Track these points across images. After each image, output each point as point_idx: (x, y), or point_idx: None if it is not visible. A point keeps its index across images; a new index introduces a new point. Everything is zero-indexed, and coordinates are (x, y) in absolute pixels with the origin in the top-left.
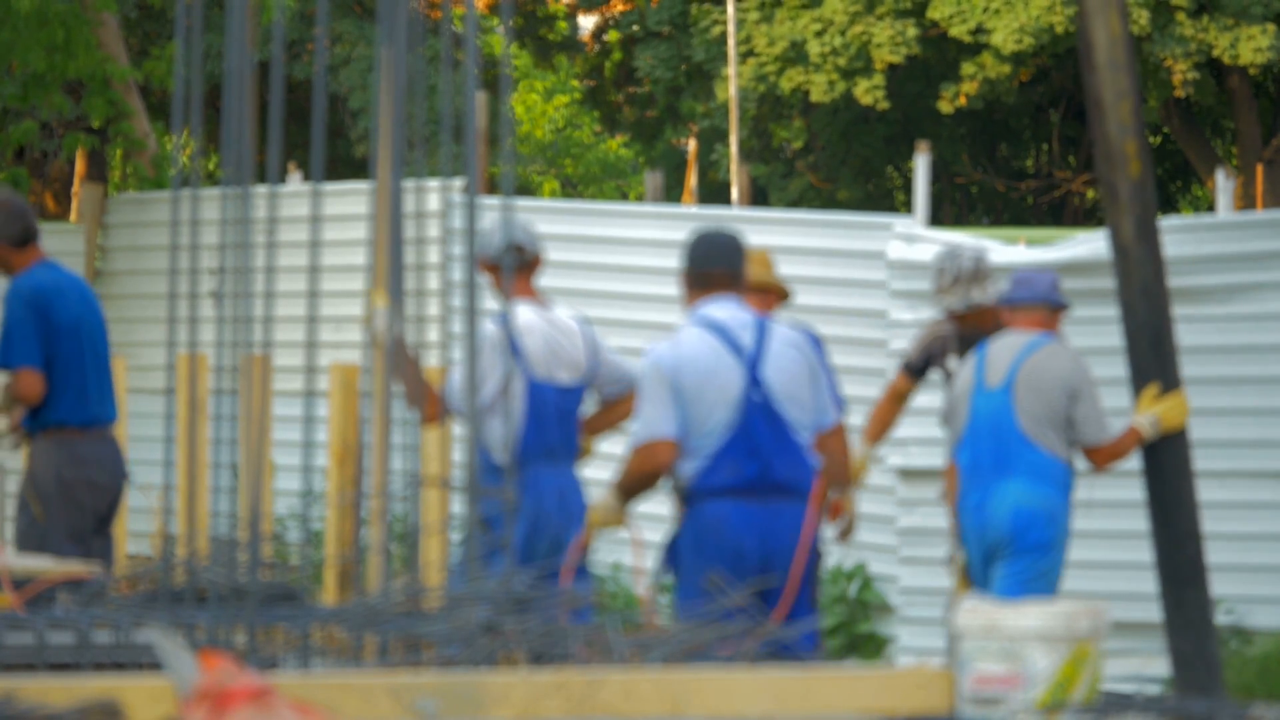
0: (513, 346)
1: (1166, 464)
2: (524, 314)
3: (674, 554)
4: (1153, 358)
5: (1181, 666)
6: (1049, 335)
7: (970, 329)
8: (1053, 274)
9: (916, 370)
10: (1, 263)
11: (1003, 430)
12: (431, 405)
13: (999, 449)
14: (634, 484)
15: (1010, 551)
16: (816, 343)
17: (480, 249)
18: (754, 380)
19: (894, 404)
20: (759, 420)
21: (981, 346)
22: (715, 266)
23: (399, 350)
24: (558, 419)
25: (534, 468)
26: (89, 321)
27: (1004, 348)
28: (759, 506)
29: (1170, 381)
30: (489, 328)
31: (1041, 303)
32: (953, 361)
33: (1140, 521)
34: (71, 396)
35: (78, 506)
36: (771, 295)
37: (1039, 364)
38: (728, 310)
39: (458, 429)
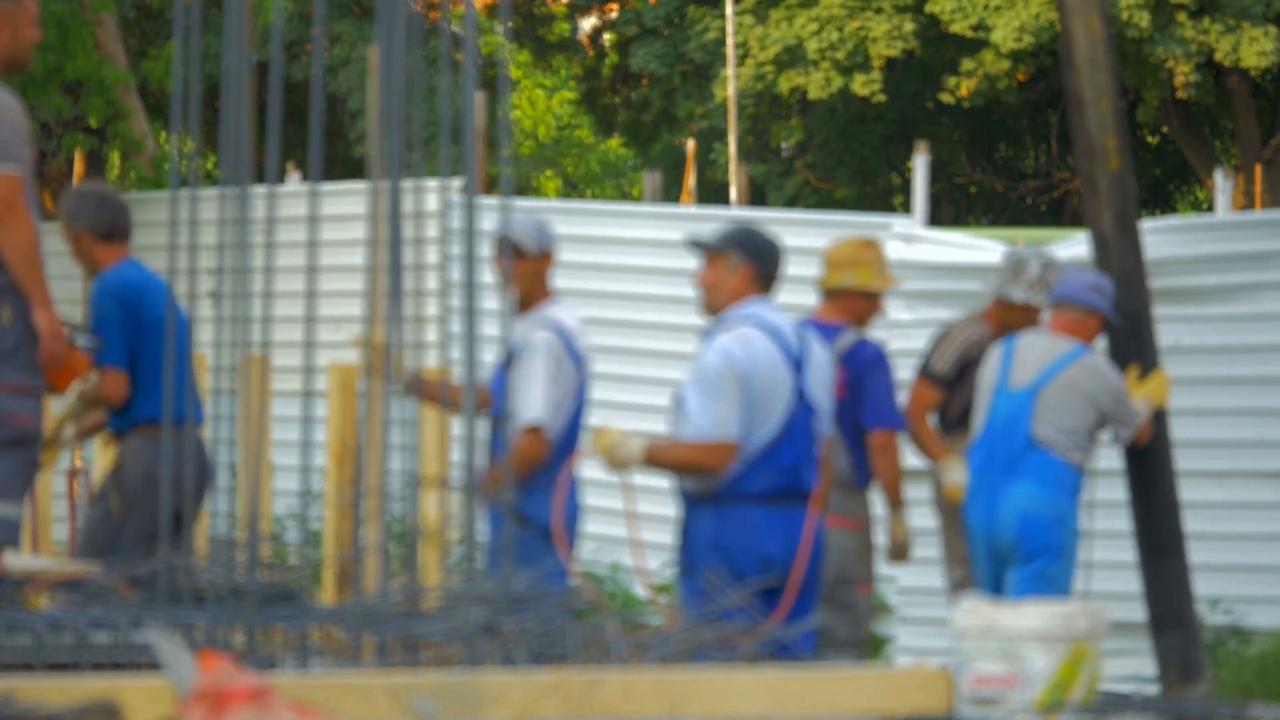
0: (569, 349)
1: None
2: (567, 316)
3: (689, 552)
4: (1133, 343)
5: (1160, 634)
6: (1084, 347)
7: (1015, 325)
8: (1096, 278)
9: (950, 381)
10: (86, 256)
11: (1016, 433)
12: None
13: (1009, 451)
14: (680, 468)
15: (1019, 556)
16: (882, 359)
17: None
18: (799, 390)
19: (929, 419)
20: (799, 431)
21: (1009, 341)
22: (777, 269)
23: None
24: (583, 417)
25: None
26: (176, 320)
27: (1034, 350)
28: (784, 513)
29: (1149, 364)
30: (544, 335)
31: (1072, 302)
32: None
33: None
34: (162, 393)
35: (159, 506)
36: (873, 301)
37: (1071, 381)
38: (776, 314)
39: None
